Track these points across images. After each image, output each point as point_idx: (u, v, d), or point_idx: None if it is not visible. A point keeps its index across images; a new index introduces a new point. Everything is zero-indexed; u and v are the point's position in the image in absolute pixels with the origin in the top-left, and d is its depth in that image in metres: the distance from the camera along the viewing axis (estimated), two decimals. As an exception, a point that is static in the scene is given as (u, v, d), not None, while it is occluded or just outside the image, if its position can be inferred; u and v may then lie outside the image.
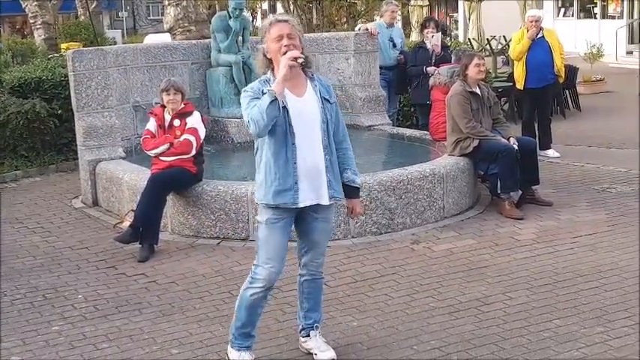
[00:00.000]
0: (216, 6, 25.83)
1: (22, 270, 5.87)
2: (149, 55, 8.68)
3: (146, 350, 4.43)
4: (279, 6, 29.76)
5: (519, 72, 9.21)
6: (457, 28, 28.60)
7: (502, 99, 11.37)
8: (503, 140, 6.92)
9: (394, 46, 9.78)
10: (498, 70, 14.63)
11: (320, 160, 3.98)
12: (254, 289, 4.06)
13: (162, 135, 6.37)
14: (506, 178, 6.76)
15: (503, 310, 4.79)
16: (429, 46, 9.09)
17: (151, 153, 6.37)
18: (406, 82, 9.60)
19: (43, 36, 24.11)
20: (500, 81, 12.73)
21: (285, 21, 3.91)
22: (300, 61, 3.78)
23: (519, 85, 9.29)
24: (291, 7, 17.74)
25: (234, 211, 6.25)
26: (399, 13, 25.25)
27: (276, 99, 3.76)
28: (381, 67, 9.45)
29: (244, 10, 8.99)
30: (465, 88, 6.98)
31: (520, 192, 6.95)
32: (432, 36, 9.14)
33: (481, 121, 6.97)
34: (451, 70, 7.87)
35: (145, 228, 6.01)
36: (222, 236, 6.31)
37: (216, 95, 8.83)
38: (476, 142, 6.87)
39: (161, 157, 6.32)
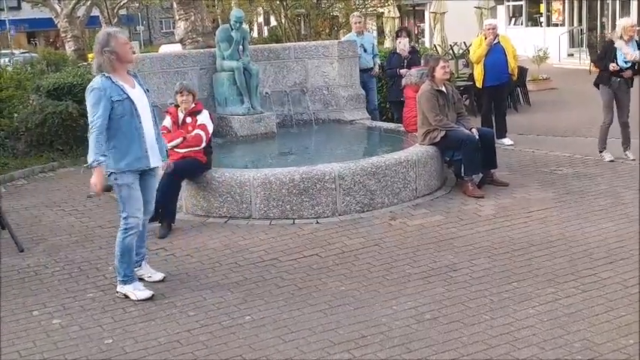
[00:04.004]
0: (219, 19, 25.61)
1: (61, 246, 5.82)
2: (164, 63, 8.60)
3: (167, 312, 4.40)
4: (272, 19, 29.54)
5: (478, 73, 9.17)
6: (424, 36, 28.50)
7: (464, 96, 11.34)
8: (466, 131, 6.89)
9: (365, 50, 9.82)
10: (460, 71, 14.57)
11: (152, 133, 4.59)
12: (131, 235, 4.56)
13: (177, 130, 6.31)
14: (468, 163, 6.74)
15: (469, 275, 4.79)
16: (399, 51, 9.17)
17: (167, 146, 6.28)
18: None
19: (72, 47, 23.89)
20: (462, 80, 12.70)
21: (124, 33, 4.58)
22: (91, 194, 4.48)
23: (479, 84, 9.25)
24: (283, 20, 17.60)
25: (239, 194, 6.21)
26: (374, 23, 25.21)
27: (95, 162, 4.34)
28: None
29: (243, 22, 8.90)
30: (433, 87, 6.94)
31: (481, 175, 6.94)
32: (399, 42, 9.32)
33: (447, 115, 6.94)
34: (420, 71, 7.83)
35: (163, 209, 5.96)
36: (228, 215, 6.27)
37: (221, 96, 8.76)
38: (442, 133, 6.84)
39: (176, 149, 6.25)
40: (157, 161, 4.68)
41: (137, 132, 4.50)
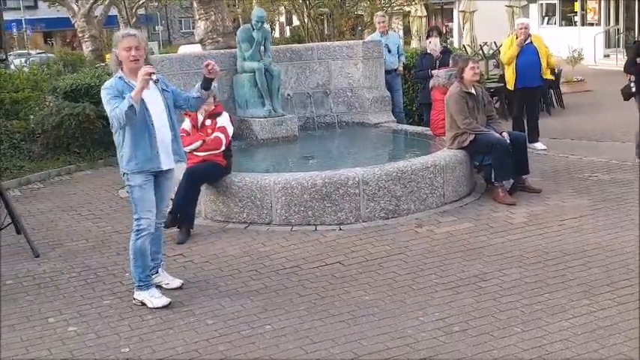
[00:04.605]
0: (240, 19, 25.79)
1: (77, 251, 5.89)
2: (183, 64, 8.67)
3: (185, 321, 4.43)
4: (294, 18, 29.67)
5: (510, 74, 9.11)
6: (452, 36, 28.40)
7: (494, 98, 11.28)
8: (497, 134, 6.85)
9: (389, 51, 9.81)
10: (490, 73, 14.48)
11: (167, 134, 4.64)
12: (143, 237, 4.62)
13: (196, 133, 6.36)
14: (499, 168, 6.70)
15: (499, 286, 4.75)
16: (429, 51, 9.13)
17: (187, 149, 6.32)
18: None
19: (90, 48, 24.19)
20: (492, 82, 12.62)
21: (134, 35, 4.54)
22: (154, 77, 4.41)
23: (510, 86, 9.20)
24: (306, 19, 17.66)
25: (259, 199, 6.23)
26: (400, 22, 25.19)
27: (132, 105, 4.34)
28: None
29: (265, 22, 8.95)
30: (462, 89, 6.91)
31: (512, 180, 6.89)
32: (430, 42, 9.25)
33: (476, 118, 6.90)
34: (449, 72, 7.81)
35: (182, 214, 6.01)
36: (248, 221, 6.29)
37: (242, 98, 8.81)
38: (472, 137, 6.81)
39: (195, 153, 6.30)
40: (169, 163, 4.70)
41: (147, 132, 4.55)
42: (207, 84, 4.85)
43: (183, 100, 4.86)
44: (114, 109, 4.42)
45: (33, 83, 10.62)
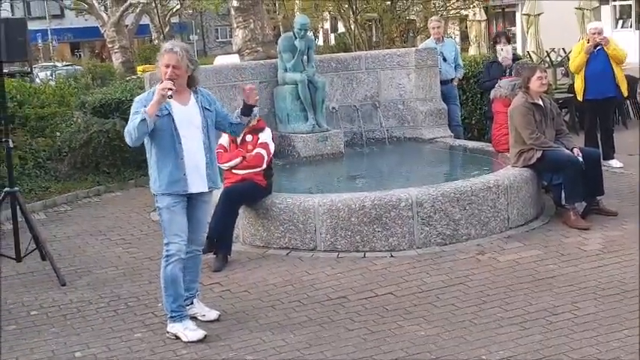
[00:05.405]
0: (281, 27, 26.11)
1: (106, 279, 5.99)
2: (220, 76, 8.80)
3: (222, 357, 4.45)
4: (339, 25, 29.87)
5: (579, 84, 9.00)
6: (515, 42, 28.20)
7: (563, 110, 11.14)
8: (567, 151, 6.77)
9: (444, 60, 9.78)
10: (558, 82, 14.33)
11: (201, 157, 4.71)
12: (173, 263, 4.67)
13: (235, 149, 6.43)
14: (570, 189, 6.61)
15: (572, 321, 4.66)
16: (501, 60, 9.06)
17: (224, 166, 6.41)
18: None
19: (120, 59, 24.78)
20: (560, 92, 12.47)
21: (175, 53, 4.61)
22: (169, 93, 4.47)
23: (579, 97, 9.08)
24: (352, 26, 17.76)
25: (302, 222, 6.26)
26: (457, 27, 25.14)
27: (145, 119, 4.45)
28: None
29: (308, 30, 9.03)
30: (528, 100, 6.85)
31: (584, 202, 6.78)
32: (502, 49, 9.16)
33: (544, 132, 6.83)
34: (512, 82, 7.75)
35: (219, 239, 6.06)
36: (290, 247, 6.32)
37: (283, 112, 8.89)
38: (539, 153, 6.73)
39: (234, 170, 6.37)
40: (201, 186, 4.73)
41: (174, 153, 4.62)
42: (247, 110, 4.95)
43: (227, 125, 4.99)
44: (130, 122, 4.56)
45: (59, 98, 10.83)
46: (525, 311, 4.85)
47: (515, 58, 9.54)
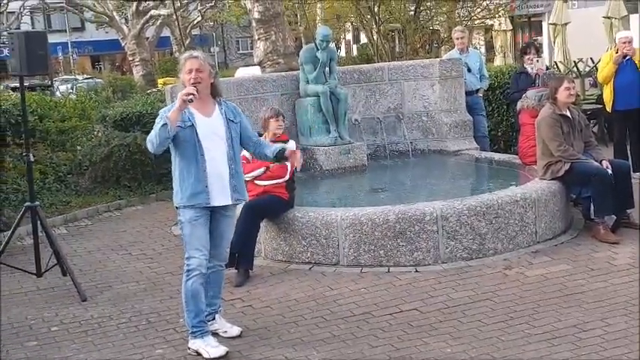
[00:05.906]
0: (302, 38, 26.22)
1: (127, 295, 6.04)
2: (241, 88, 8.87)
3: (244, 374, 4.46)
4: (362, 35, 29.95)
5: (607, 95, 8.97)
6: (542, 52, 28.07)
7: (592, 121, 11.06)
8: (596, 163, 6.73)
9: (469, 70, 9.76)
10: (586, 93, 14.23)
11: (225, 168, 4.72)
12: (193, 278, 4.68)
13: (258, 160, 6.45)
14: (600, 202, 6.56)
15: (602, 337, 4.61)
16: (530, 71, 9.03)
17: (247, 177, 6.41)
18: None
19: (141, 72, 25.06)
20: (589, 103, 12.40)
21: (196, 57, 4.68)
22: (190, 98, 4.48)
23: (608, 108, 9.04)
24: (375, 37, 17.81)
25: (325, 236, 6.27)
26: (482, 38, 25.10)
27: (166, 124, 4.49)
28: None
29: (330, 41, 9.07)
30: (555, 111, 6.82)
31: (614, 216, 6.72)
32: (537, 60, 9.14)
33: (572, 144, 6.80)
34: (539, 93, 7.72)
35: (240, 254, 6.08)
36: (313, 261, 6.33)
37: (305, 124, 8.93)
38: (567, 166, 6.70)
39: (256, 181, 6.40)
40: (223, 200, 4.75)
41: (195, 164, 4.65)
42: (282, 158, 5.08)
43: (252, 144, 5.01)
44: (153, 130, 4.61)
45: (80, 111, 10.97)
46: (554, 327, 4.81)
47: (545, 68, 9.50)
